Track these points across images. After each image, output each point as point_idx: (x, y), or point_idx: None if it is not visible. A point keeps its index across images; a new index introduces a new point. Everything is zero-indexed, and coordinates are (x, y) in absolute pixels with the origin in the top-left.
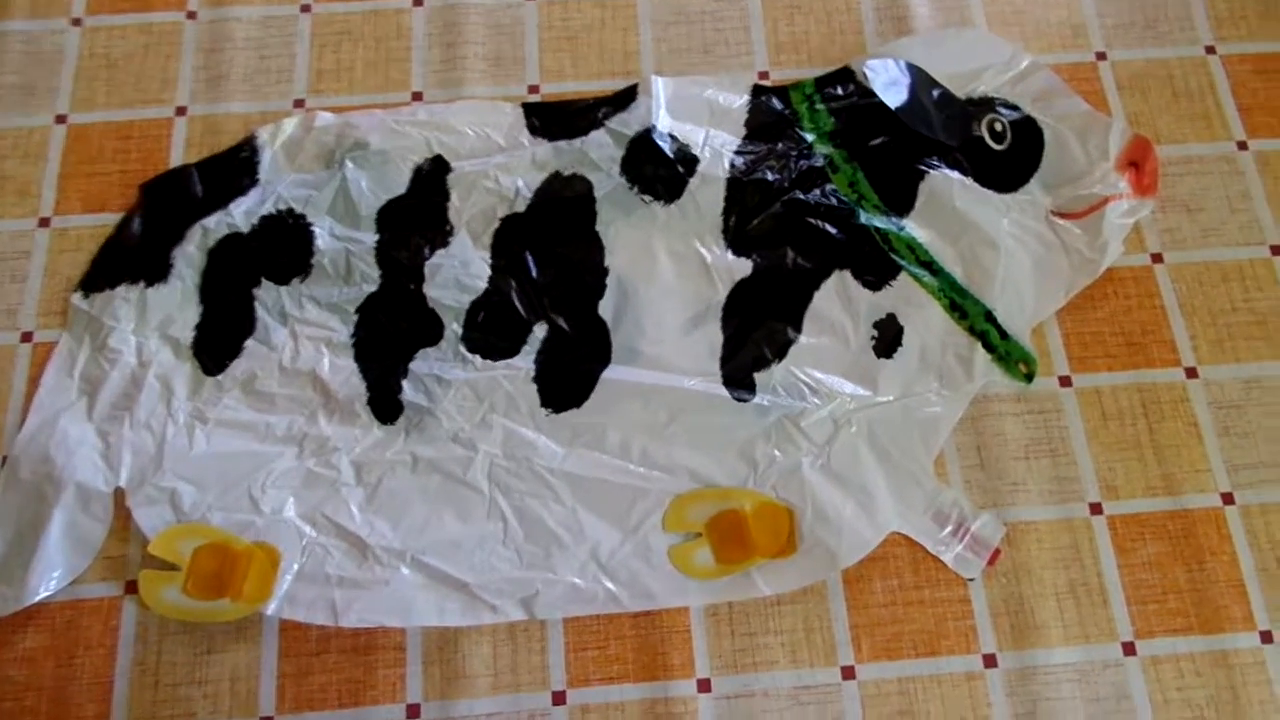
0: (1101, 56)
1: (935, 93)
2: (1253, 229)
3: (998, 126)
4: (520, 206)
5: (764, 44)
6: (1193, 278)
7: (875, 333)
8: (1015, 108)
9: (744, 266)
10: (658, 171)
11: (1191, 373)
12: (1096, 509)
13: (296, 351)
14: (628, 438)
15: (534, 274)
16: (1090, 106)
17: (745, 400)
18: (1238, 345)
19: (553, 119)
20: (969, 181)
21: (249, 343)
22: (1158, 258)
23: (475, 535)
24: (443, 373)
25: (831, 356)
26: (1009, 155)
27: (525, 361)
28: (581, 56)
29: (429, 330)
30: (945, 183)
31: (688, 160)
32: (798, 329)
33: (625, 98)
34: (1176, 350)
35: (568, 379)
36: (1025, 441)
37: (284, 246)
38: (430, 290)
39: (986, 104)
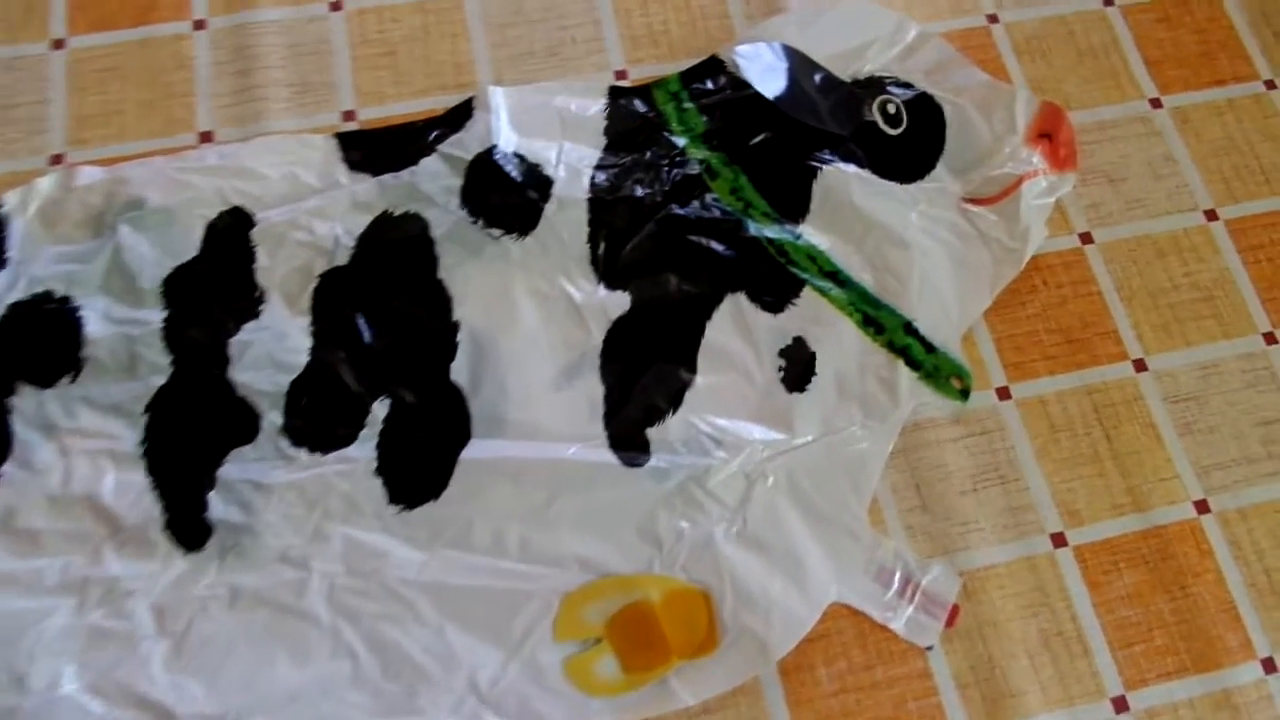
0: (993, 19)
1: (817, 77)
2: (1182, 194)
3: (891, 108)
4: (342, 258)
5: (618, 39)
6: (1126, 256)
7: (782, 362)
8: (908, 85)
9: (620, 302)
10: (505, 199)
11: (1140, 365)
12: (1060, 540)
13: (68, 472)
14: (501, 529)
15: (367, 339)
16: (989, 76)
17: (639, 464)
18: (1185, 327)
19: (374, 149)
20: (867, 174)
21: (5, 468)
22: (1087, 238)
23: (317, 681)
24: (261, 477)
25: (735, 398)
26: (907, 139)
27: (364, 450)
28: (404, 73)
29: (240, 425)
30: (841, 178)
31: (540, 182)
32: (692, 369)
33: (459, 116)
34: (1121, 341)
35: (419, 465)
36: (969, 471)
37: (43, 339)
38: (238, 374)
39: (876, 84)
